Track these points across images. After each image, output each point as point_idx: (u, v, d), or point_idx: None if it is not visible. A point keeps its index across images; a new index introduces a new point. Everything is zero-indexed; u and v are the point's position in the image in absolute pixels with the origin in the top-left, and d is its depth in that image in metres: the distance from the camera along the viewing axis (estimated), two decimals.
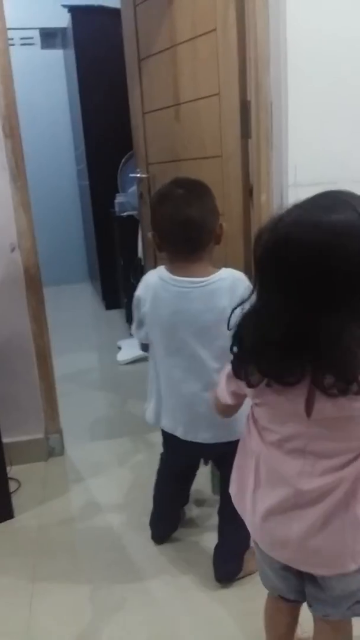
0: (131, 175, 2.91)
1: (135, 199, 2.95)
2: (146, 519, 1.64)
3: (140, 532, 1.64)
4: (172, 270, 1.34)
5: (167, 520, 1.65)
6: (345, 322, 0.74)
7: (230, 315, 0.90)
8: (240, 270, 2.10)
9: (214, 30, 2.02)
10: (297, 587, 1.02)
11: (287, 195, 1.96)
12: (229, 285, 1.29)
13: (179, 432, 1.42)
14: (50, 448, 2.12)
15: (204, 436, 1.39)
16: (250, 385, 0.85)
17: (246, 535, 1.08)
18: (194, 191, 1.34)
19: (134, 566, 1.54)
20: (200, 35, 2.10)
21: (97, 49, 3.76)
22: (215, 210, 1.36)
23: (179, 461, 1.58)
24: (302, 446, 0.84)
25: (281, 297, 0.77)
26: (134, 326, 1.46)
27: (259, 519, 0.93)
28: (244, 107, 2.00)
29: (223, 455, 1.29)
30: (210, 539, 1.55)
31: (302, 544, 0.88)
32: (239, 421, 1.16)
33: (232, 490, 1.01)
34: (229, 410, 1.02)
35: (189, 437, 1.41)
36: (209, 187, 1.39)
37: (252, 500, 0.94)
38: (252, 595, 1.37)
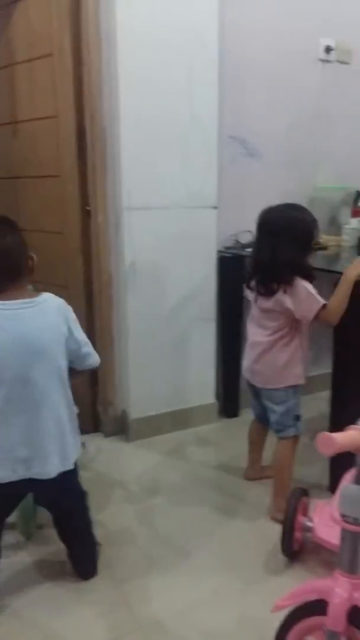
0: None
1: None
2: None
3: None
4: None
5: None
6: (285, 251, 1.60)
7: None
8: (80, 284, 2.20)
9: (50, 55, 2.09)
10: (260, 413, 1.87)
11: (122, 217, 2.09)
12: (57, 306, 1.36)
13: (20, 472, 1.33)
14: None
15: (45, 469, 1.34)
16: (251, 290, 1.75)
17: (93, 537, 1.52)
18: (5, 223, 1.38)
19: None
20: (36, 58, 2.16)
21: None
22: (24, 242, 1.39)
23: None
24: (258, 320, 1.72)
25: (263, 242, 1.66)
26: None
27: (246, 362, 1.78)
28: (81, 131, 2.09)
29: (61, 489, 1.41)
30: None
31: (252, 369, 1.75)
32: (69, 447, 1.39)
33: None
34: None
35: (30, 474, 1.34)
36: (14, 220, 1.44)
37: (247, 353, 1.78)
38: None
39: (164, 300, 2.24)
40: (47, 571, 1.55)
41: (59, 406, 1.35)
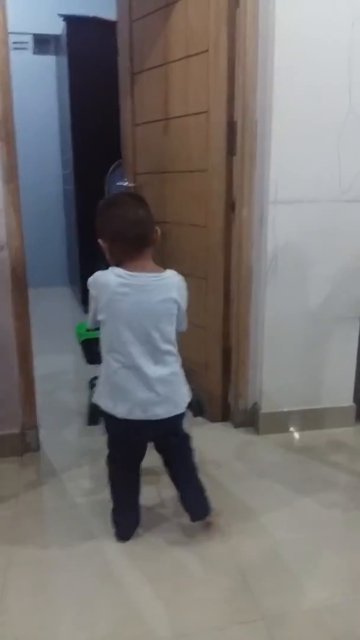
0: (118, 184, 2.99)
1: None
2: None
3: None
4: (127, 270, 1.53)
5: (135, 514, 1.71)
6: None
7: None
8: (220, 277, 2.23)
9: (206, 51, 2.13)
10: None
11: (267, 211, 2.08)
12: (177, 283, 1.58)
13: (136, 414, 1.55)
14: (26, 443, 2.16)
15: (158, 412, 1.56)
16: None
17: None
18: (139, 199, 1.62)
19: (106, 556, 1.60)
20: (192, 55, 2.21)
21: (89, 58, 3.85)
22: (152, 216, 1.59)
23: (131, 448, 1.68)
24: None
25: None
26: (90, 319, 1.61)
27: None
28: (231, 126, 2.11)
29: (172, 430, 1.64)
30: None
31: None
32: (181, 395, 1.60)
33: None
34: None
35: (146, 416, 1.55)
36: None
37: None
38: None
39: (305, 297, 2.19)
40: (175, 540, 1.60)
41: (172, 361, 1.58)
